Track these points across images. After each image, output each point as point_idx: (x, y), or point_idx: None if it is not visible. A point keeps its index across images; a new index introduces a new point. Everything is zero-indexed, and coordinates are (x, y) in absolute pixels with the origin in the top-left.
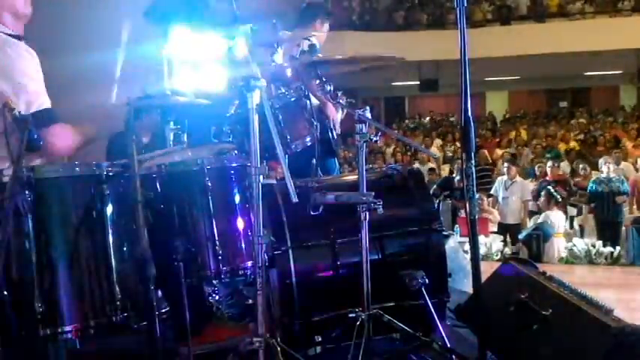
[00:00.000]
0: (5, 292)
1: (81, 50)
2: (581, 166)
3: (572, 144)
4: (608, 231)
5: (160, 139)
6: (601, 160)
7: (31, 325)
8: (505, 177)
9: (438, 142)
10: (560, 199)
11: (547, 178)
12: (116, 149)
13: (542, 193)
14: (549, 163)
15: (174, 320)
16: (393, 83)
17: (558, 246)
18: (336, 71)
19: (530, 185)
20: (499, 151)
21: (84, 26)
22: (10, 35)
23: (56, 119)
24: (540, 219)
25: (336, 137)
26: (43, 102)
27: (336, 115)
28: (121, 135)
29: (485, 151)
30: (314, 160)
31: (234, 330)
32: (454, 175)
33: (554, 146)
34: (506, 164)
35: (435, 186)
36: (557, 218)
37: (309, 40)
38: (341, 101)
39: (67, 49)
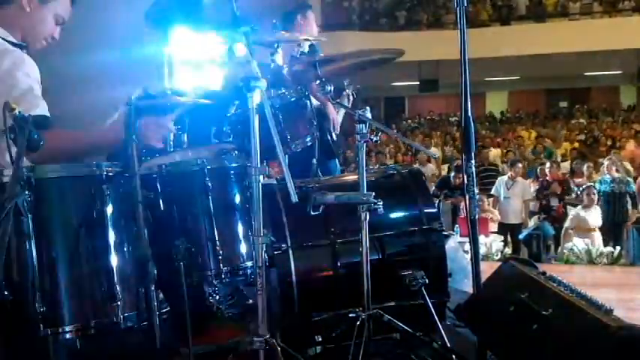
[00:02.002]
0: (5, 292)
1: (83, 51)
2: (586, 165)
3: (573, 144)
4: (613, 232)
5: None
6: (606, 161)
7: (31, 325)
8: (506, 177)
9: (437, 142)
10: (593, 197)
11: (547, 179)
12: (117, 149)
13: (586, 192)
14: (548, 164)
15: (175, 320)
16: (393, 83)
17: (597, 242)
18: (338, 70)
19: (531, 185)
20: (499, 151)
21: (86, 27)
22: (10, 43)
23: (51, 126)
24: (582, 214)
25: (335, 139)
26: (39, 110)
27: (336, 116)
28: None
29: (493, 151)
30: (314, 160)
31: (234, 330)
32: (452, 174)
33: (553, 146)
34: (512, 163)
35: (433, 187)
36: (596, 214)
37: (309, 40)
38: (347, 93)
39: (70, 49)
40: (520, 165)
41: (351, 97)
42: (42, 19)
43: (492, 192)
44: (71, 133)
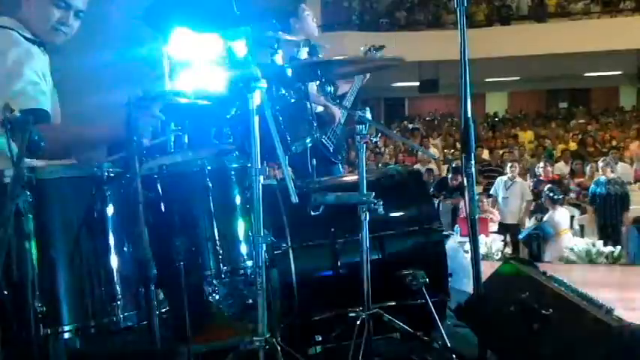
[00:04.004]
0: (5, 292)
1: (83, 51)
2: (589, 166)
3: (571, 144)
4: (609, 233)
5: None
6: (601, 162)
7: (31, 325)
8: (505, 177)
9: (437, 142)
10: (558, 198)
11: (541, 179)
12: (117, 150)
13: (543, 196)
14: (541, 164)
15: (174, 320)
16: (393, 84)
17: (566, 243)
18: (338, 72)
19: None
20: (499, 152)
21: (86, 27)
22: (24, 37)
23: (44, 120)
24: (545, 218)
25: (334, 144)
26: (38, 104)
27: (339, 114)
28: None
29: (501, 152)
30: (314, 161)
31: (234, 330)
32: (449, 175)
33: (553, 146)
34: (510, 164)
35: (432, 189)
36: (561, 216)
37: (309, 41)
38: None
39: (69, 49)
40: (517, 165)
41: (366, 77)
42: (38, 6)
43: (491, 192)
44: (67, 127)
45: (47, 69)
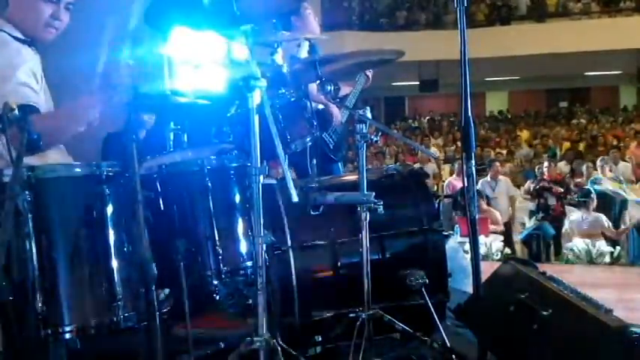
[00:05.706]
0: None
1: (82, 51)
2: (585, 166)
3: (572, 144)
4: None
5: (160, 139)
6: (598, 162)
7: (31, 325)
8: (488, 177)
9: (438, 142)
10: (584, 201)
11: (544, 178)
12: (112, 149)
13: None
14: (545, 163)
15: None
16: (393, 83)
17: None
18: (337, 70)
19: (530, 186)
20: (490, 151)
21: (85, 27)
22: (14, 37)
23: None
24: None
25: (335, 142)
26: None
27: (339, 114)
28: (115, 135)
29: (492, 153)
30: (314, 160)
31: (233, 322)
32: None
33: (553, 146)
34: (491, 164)
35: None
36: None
37: (309, 40)
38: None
39: (69, 49)
40: (498, 164)
41: (370, 79)
42: (28, 4)
43: None
44: (46, 113)
45: (39, 68)
